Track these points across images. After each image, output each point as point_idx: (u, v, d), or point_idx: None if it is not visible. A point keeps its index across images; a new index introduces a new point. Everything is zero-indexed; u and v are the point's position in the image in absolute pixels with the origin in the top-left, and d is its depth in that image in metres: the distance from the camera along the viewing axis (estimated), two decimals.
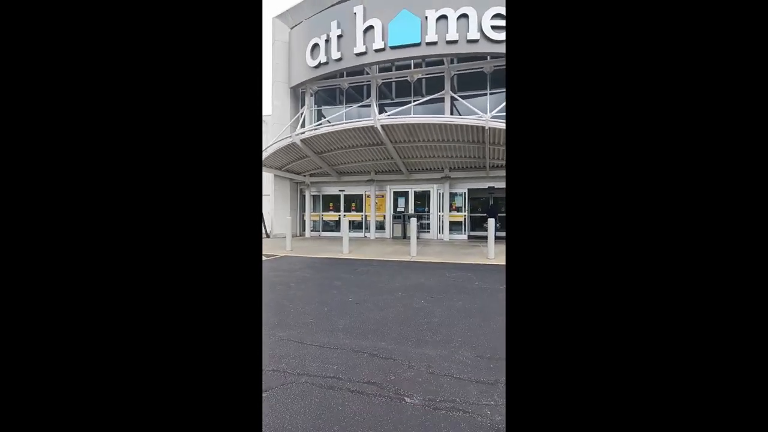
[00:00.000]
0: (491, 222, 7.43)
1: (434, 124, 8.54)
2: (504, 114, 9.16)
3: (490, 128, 8.03)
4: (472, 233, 11.36)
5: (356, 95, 12.27)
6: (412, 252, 7.67)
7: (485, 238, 8.00)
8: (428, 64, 11.10)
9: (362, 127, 8.91)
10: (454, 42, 9.11)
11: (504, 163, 9.91)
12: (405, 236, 11.16)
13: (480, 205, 12.02)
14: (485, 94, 10.65)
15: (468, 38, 9.02)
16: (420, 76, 11.28)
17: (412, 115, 10.07)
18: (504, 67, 10.44)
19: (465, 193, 11.25)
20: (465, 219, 11.25)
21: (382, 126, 8.59)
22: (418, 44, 9.35)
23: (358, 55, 9.91)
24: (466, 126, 8.33)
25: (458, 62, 10.76)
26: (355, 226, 12.37)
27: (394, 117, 9.00)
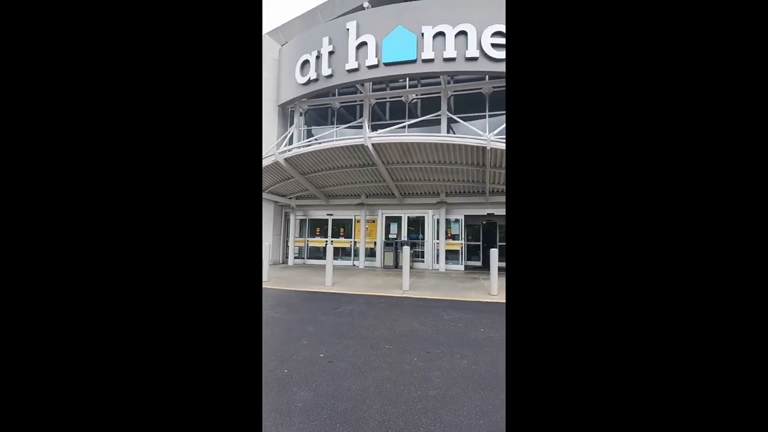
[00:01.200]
0: (494, 253, 6.54)
1: (430, 144, 7.79)
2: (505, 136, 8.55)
3: (492, 149, 7.31)
4: (469, 263, 10.44)
5: (348, 115, 11.63)
6: (405, 285, 6.73)
7: (482, 268, 7.11)
8: (424, 84, 10.56)
9: (351, 146, 8.14)
10: (452, 59, 8.57)
11: (504, 188, 9.20)
12: (397, 265, 10.18)
13: (475, 233, 11.19)
14: (484, 116, 10.05)
15: (467, 56, 8.49)
16: (415, 96, 10.71)
17: (406, 133, 9.40)
18: (503, 88, 9.98)
19: (461, 219, 10.42)
20: (462, 248, 10.35)
21: (372, 144, 7.82)
22: (414, 61, 8.79)
23: (350, 71, 9.32)
24: (466, 146, 7.61)
25: (455, 83, 10.24)
26: (343, 253, 11.41)
27: (386, 135, 8.26)
